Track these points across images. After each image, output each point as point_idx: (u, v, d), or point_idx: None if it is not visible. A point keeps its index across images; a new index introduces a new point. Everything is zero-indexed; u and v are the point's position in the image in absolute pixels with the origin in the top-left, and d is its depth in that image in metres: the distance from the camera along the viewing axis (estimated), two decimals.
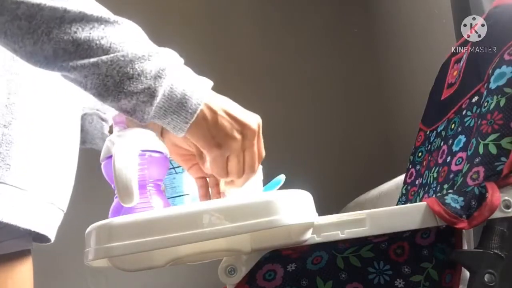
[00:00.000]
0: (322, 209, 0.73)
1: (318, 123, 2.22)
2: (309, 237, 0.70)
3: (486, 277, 0.72)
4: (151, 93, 0.65)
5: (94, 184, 1.03)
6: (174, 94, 0.66)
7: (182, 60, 0.70)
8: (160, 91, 0.65)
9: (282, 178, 0.87)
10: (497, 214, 0.74)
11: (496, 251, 0.73)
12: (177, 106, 0.66)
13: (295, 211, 0.65)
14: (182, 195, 0.86)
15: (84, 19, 0.64)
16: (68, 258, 1.62)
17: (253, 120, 0.71)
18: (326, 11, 2.28)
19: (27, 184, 0.75)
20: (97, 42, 0.63)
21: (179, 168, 0.87)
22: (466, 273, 0.75)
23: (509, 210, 0.74)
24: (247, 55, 2.23)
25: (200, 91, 0.68)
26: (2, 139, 0.73)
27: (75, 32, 0.63)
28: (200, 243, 0.67)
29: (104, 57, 0.64)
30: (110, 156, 0.68)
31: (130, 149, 0.67)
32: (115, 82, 0.64)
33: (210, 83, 0.70)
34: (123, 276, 1.17)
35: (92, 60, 0.63)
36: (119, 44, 0.64)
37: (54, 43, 0.63)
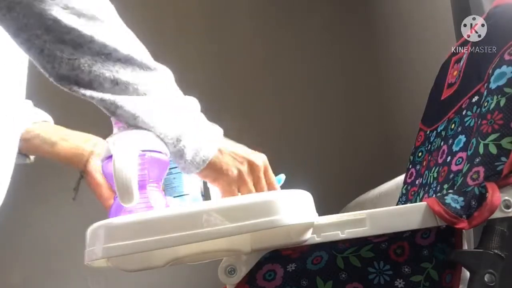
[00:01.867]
0: (322, 209, 0.73)
1: (318, 123, 2.22)
2: (309, 237, 0.70)
3: (486, 277, 0.72)
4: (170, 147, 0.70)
5: None
6: (186, 155, 0.71)
7: (198, 113, 0.75)
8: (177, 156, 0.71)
9: (282, 178, 0.87)
10: (497, 214, 0.74)
11: (496, 251, 0.73)
12: (189, 163, 0.72)
13: (295, 211, 0.65)
14: (182, 195, 0.86)
15: (129, 61, 0.66)
16: (68, 258, 1.62)
17: (258, 157, 0.77)
18: (326, 11, 2.28)
19: None
20: (135, 86, 0.66)
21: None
22: (466, 273, 0.75)
23: (509, 210, 0.74)
24: (247, 55, 2.23)
25: (210, 147, 0.73)
26: None
27: (117, 72, 0.65)
28: (200, 243, 0.67)
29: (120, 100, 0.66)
30: (110, 156, 0.68)
31: (130, 149, 0.67)
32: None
33: (221, 132, 0.76)
34: (123, 276, 1.17)
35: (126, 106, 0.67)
36: (152, 89, 0.68)
37: (93, 76, 0.64)
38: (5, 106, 0.81)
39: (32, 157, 0.98)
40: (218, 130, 0.76)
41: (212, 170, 0.74)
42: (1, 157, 0.80)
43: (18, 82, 0.83)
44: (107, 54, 0.64)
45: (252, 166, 0.76)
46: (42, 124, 0.95)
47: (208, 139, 0.73)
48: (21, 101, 0.86)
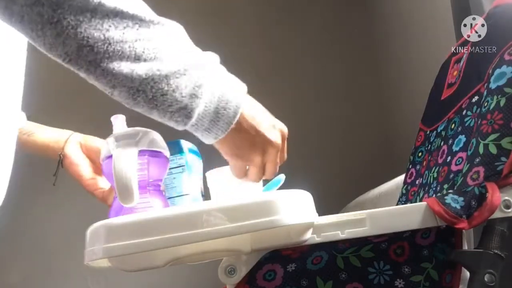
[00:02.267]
0: (322, 209, 0.73)
1: (318, 123, 2.22)
2: (309, 237, 0.70)
3: (486, 277, 0.72)
4: (186, 114, 0.63)
5: None
6: (208, 113, 0.64)
7: (219, 66, 0.67)
8: (196, 112, 0.63)
9: (282, 178, 0.87)
10: (497, 214, 0.74)
11: (496, 251, 0.73)
12: (210, 123, 0.65)
13: (295, 211, 0.65)
14: (182, 195, 0.86)
15: (118, 15, 0.57)
16: (68, 258, 1.62)
17: (277, 135, 0.72)
18: (326, 11, 2.28)
19: None
20: (131, 44, 0.58)
21: (179, 168, 0.87)
22: (466, 273, 0.75)
23: (509, 210, 0.74)
24: (246, 56, 2.23)
25: (234, 106, 0.65)
26: None
27: (107, 30, 0.56)
28: (200, 243, 0.67)
29: (138, 68, 0.58)
30: (110, 156, 0.68)
31: (130, 149, 0.67)
32: (147, 99, 0.60)
33: (245, 89, 0.69)
34: (123, 276, 1.17)
35: (123, 68, 0.58)
36: (154, 50, 0.59)
37: (80, 39, 0.56)
38: (5, 103, 0.80)
39: None
40: (242, 87, 0.69)
41: (229, 141, 0.67)
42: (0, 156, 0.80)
43: (17, 78, 0.83)
44: (91, 11, 0.55)
45: (270, 148, 0.71)
46: None
47: (232, 94, 0.65)
48: (19, 96, 0.85)
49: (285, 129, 0.74)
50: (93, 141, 0.90)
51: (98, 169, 0.87)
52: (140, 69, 0.58)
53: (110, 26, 0.57)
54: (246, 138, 0.69)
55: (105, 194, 0.85)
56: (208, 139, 0.68)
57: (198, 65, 0.63)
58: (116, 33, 0.57)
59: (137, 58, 0.58)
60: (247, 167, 0.74)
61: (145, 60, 0.58)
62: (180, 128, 0.65)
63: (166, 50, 0.60)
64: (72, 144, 0.89)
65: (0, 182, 0.79)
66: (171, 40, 0.62)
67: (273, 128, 0.72)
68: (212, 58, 0.67)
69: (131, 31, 0.58)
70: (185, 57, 0.62)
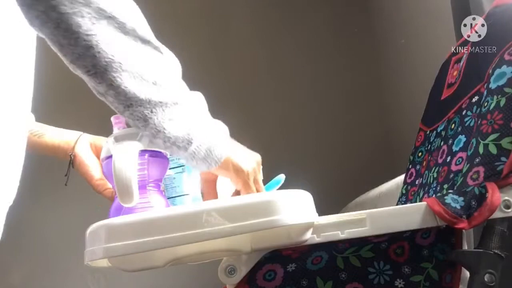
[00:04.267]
0: (322, 209, 0.73)
1: (318, 123, 2.22)
2: (309, 237, 0.70)
3: (486, 277, 0.72)
4: (182, 151, 0.69)
5: None
6: (200, 154, 0.70)
7: (206, 112, 0.74)
8: (188, 153, 0.69)
9: (282, 178, 0.87)
10: (497, 214, 0.74)
11: (496, 251, 0.73)
12: (202, 160, 0.71)
13: (295, 211, 0.65)
14: (182, 195, 0.86)
15: (147, 44, 0.65)
16: (68, 258, 1.62)
17: (259, 157, 0.78)
18: (326, 11, 2.28)
19: None
20: (148, 68, 0.64)
21: (179, 168, 0.87)
22: (466, 273, 0.75)
23: (509, 210, 0.74)
24: (246, 55, 2.23)
25: (221, 147, 0.72)
26: None
27: (141, 55, 0.64)
28: (200, 243, 0.67)
29: (153, 94, 0.64)
30: (110, 156, 0.68)
31: (130, 149, 0.67)
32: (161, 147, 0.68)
33: (227, 131, 0.75)
34: (123, 276, 1.17)
35: (142, 90, 0.64)
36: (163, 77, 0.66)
37: (111, 55, 0.61)
38: (15, 105, 0.81)
39: None
40: (224, 127, 0.76)
41: (227, 167, 0.73)
42: (11, 155, 0.81)
43: (26, 79, 0.83)
44: (124, 33, 0.62)
45: (259, 164, 0.77)
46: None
47: (219, 137, 0.73)
48: (29, 98, 0.86)
49: (258, 158, 0.79)
50: (103, 142, 0.90)
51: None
52: (154, 95, 0.64)
53: (139, 51, 0.63)
54: (242, 159, 0.75)
55: (114, 194, 0.85)
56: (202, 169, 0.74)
57: (187, 109, 0.69)
58: (143, 58, 0.63)
59: (153, 83, 0.64)
60: None
61: (157, 84, 0.65)
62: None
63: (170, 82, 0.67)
64: (83, 144, 0.91)
65: (12, 182, 0.79)
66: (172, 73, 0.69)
67: (247, 158, 0.77)
68: (198, 104, 0.74)
69: (154, 59, 0.65)
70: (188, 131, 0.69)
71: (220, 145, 0.72)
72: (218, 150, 0.72)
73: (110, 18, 0.61)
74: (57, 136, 0.93)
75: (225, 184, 0.81)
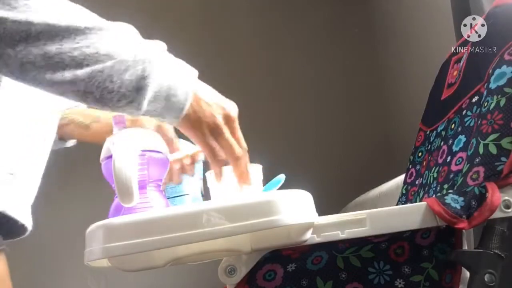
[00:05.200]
0: (322, 209, 0.73)
1: (318, 123, 2.22)
2: (309, 237, 0.70)
3: (486, 277, 0.72)
4: (136, 106, 0.65)
5: (94, 184, 1.03)
6: (159, 101, 0.66)
7: (166, 54, 0.69)
8: (144, 104, 0.65)
9: (282, 178, 0.87)
10: (497, 214, 0.74)
11: (496, 251, 0.73)
12: (162, 110, 0.67)
13: (295, 211, 0.65)
14: (182, 195, 0.86)
15: (52, 30, 0.61)
16: (68, 258, 1.62)
17: (232, 107, 0.73)
18: (326, 10, 2.28)
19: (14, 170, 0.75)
20: (70, 54, 0.61)
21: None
22: (466, 273, 0.75)
23: (509, 210, 0.74)
24: (246, 55, 2.23)
25: (185, 87, 0.67)
26: None
27: (44, 45, 0.61)
28: (200, 243, 0.67)
29: (79, 72, 0.62)
30: (110, 156, 0.68)
31: (130, 149, 0.67)
32: (96, 98, 0.63)
33: (196, 73, 0.71)
34: (123, 276, 1.17)
35: (67, 75, 0.62)
36: (94, 54, 0.62)
37: (21, 58, 0.60)
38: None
39: (72, 141, 1.02)
40: (191, 72, 0.71)
41: (188, 119, 0.69)
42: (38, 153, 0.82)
43: None
44: (25, 31, 0.60)
45: (227, 116, 0.71)
46: (74, 110, 0.99)
47: (181, 79, 0.68)
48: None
49: (236, 107, 0.74)
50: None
51: None
52: (82, 74, 0.62)
53: (46, 41, 0.61)
54: (203, 113, 0.70)
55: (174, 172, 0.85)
56: (171, 121, 0.69)
57: (142, 59, 0.65)
58: (53, 46, 0.61)
59: (78, 65, 0.62)
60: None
61: (87, 65, 0.62)
62: (138, 115, 0.68)
63: (106, 51, 0.63)
64: None
65: (35, 183, 0.81)
66: (112, 41, 0.65)
67: (226, 101, 0.73)
68: (157, 48, 0.69)
69: (68, 42, 0.62)
70: (127, 53, 0.64)
71: (184, 86, 0.67)
72: (182, 92, 0.67)
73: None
74: (101, 126, 0.95)
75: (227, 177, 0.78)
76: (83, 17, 0.64)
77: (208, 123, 0.69)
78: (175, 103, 0.67)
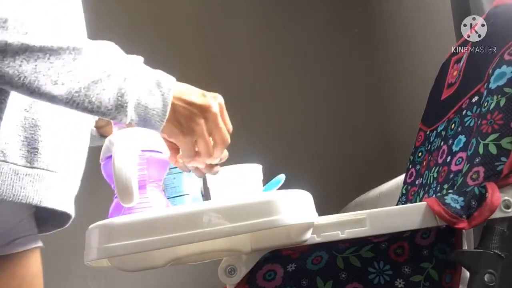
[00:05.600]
0: (322, 209, 0.73)
1: (318, 123, 2.22)
2: (309, 237, 0.70)
3: (486, 277, 0.72)
4: (119, 120, 0.66)
5: (94, 184, 1.03)
6: (140, 114, 0.67)
7: (142, 67, 0.69)
8: (126, 119, 0.66)
9: (282, 178, 0.87)
10: (497, 214, 0.74)
11: (496, 251, 0.73)
12: (145, 122, 0.67)
13: (295, 211, 0.65)
14: (182, 195, 0.86)
15: (27, 50, 0.61)
16: (68, 258, 1.62)
17: (213, 101, 0.72)
18: (326, 11, 2.28)
19: (56, 166, 0.74)
20: (44, 73, 0.62)
21: None
22: (466, 273, 0.75)
23: (509, 210, 0.74)
24: (246, 56, 2.23)
25: (161, 99, 0.68)
26: (25, 123, 0.71)
27: (20, 65, 0.61)
28: (200, 243, 0.67)
29: (58, 92, 0.63)
30: (110, 156, 0.68)
31: (130, 149, 0.67)
32: (79, 111, 0.65)
33: (173, 80, 0.70)
34: (123, 276, 1.17)
35: (47, 93, 0.62)
36: (68, 74, 0.63)
37: None
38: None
39: None
40: (168, 78, 0.70)
41: (176, 113, 0.69)
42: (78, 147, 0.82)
43: None
44: (1, 52, 0.60)
45: (208, 115, 0.70)
46: None
47: (156, 88, 0.68)
48: None
49: (221, 98, 0.74)
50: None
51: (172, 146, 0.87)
52: (60, 92, 0.63)
53: (22, 61, 0.61)
54: (180, 114, 0.69)
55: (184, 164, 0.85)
56: (155, 128, 0.69)
57: (117, 77, 0.66)
58: (29, 66, 0.61)
59: (54, 84, 0.63)
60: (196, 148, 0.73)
61: (62, 84, 0.63)
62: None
63: (80, 71, 0.64)
64: None
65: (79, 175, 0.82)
66: (86, 60, 0.65)
67: (203, 96, 0.72)
68: (134, 63, 0.69)
69: (43, 62, 0.62)
70: (102, 72, 0.65)
71: (160, 95, 0.67)
72: (160, 103, 0.67)
73: None
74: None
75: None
76: (57, 36, 0.64)
77: (183, 123, 0.70)
78: (155, 113, 0.67)
